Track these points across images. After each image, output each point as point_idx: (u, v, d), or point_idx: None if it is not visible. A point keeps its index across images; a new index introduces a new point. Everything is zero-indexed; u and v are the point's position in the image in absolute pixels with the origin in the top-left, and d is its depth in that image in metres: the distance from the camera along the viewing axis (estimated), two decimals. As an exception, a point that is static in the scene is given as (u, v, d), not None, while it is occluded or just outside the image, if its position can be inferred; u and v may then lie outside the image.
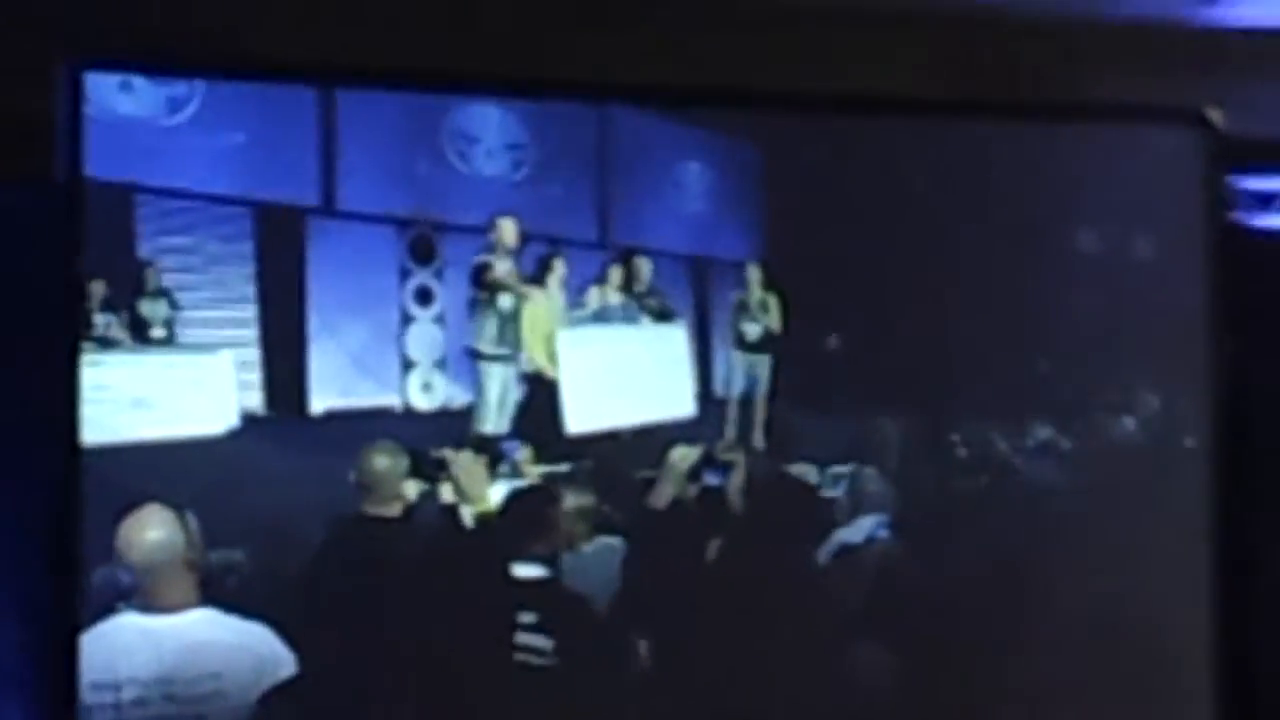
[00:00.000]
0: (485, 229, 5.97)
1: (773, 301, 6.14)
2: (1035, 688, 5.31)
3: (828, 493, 5.63)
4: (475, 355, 6.00)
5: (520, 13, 5.74)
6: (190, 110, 5.57)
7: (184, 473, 5.35)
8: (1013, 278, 5.69)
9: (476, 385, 5.99)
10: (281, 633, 4.60)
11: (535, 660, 4.71)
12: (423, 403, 6.18)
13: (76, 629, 4.69)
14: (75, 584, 4.83)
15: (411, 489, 5.08)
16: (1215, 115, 5.52)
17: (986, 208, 5.69)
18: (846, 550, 5.36)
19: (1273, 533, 5.71)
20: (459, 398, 6.12)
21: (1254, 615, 5.60)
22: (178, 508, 4.61)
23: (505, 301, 5.97)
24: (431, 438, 5.76)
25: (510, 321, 5.97)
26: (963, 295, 5.72)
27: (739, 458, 5.45)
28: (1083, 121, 5.69)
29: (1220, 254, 5.57)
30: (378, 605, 4.83)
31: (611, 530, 5.27)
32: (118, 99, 5.43)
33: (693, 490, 5.25)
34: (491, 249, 5.96)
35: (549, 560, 4.84)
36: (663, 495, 5.12)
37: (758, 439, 6.04)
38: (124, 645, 4.51)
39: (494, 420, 5.91)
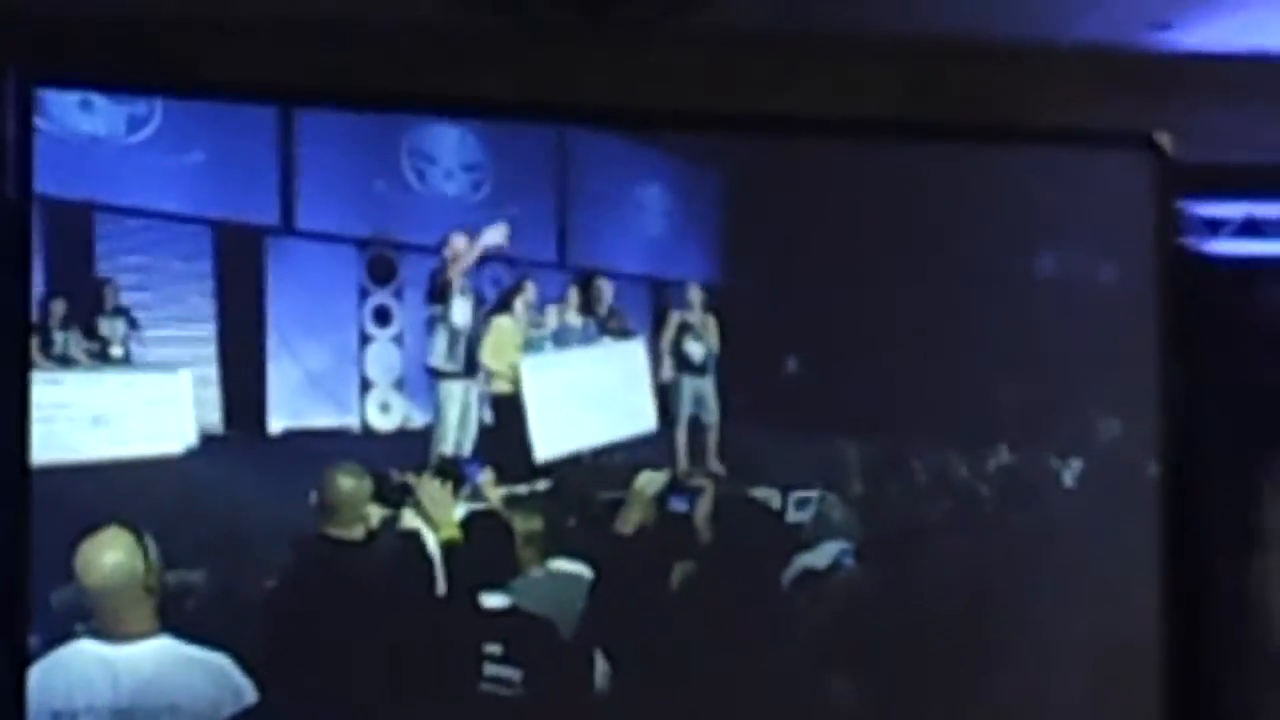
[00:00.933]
0: (439, 246, 5.98)
1: (711, 323, 6.16)
2: (999, 711, 5.34)
3: (792, 517, 5.63)
4: (434, 374, 5.99)
5: (480, 34, 5.75)
6: (150, 129, 5.57)
7: (143, 492, 5.33)
8: (965, 301, 5.71)
9: (435, 405, 5.98)
10: (241, 661, 4.52)
11: (503, 691, 4.67)
12: (381, 423, 6.19)
13: (26, 658, 4.65)
14: (25, 611, 4.80)
15: (374, 514, 5.03)
16: (1166, 140, 5.56)
17: (940, 231, 5.71)
18: (810, 574, 5.36)
19: (1223, 552, 5.76)
20: (417, 418, 6.12)
21: (1205, 632, 5.65)
22: (136, 530, 4.48)
23: (459, 318, 5.98)
24: (390, 458, 5.75)
25: (464, 338, 5.97)
26: (916, 319, 5.75)
27: (706, 484, 5.41)
28: (1035, 145, 5.72)
29: (1171, 279, 5.60)
30: (340, 631, 4.78)
31: (574, 555, 5.24)
32: (78, 118, 5.44)
33: (658, 516, 5.20)
34: (445, 266, 5.96)
35: (509, 586, 4.80)
36: (629, 521, 5.05)
37: (713, 463, 6.04)
38: (81, 673, 4.35)
39: (453, 440, 5.90)
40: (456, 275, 5.92)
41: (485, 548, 4.75)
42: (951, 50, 5.81)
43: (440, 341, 5.99)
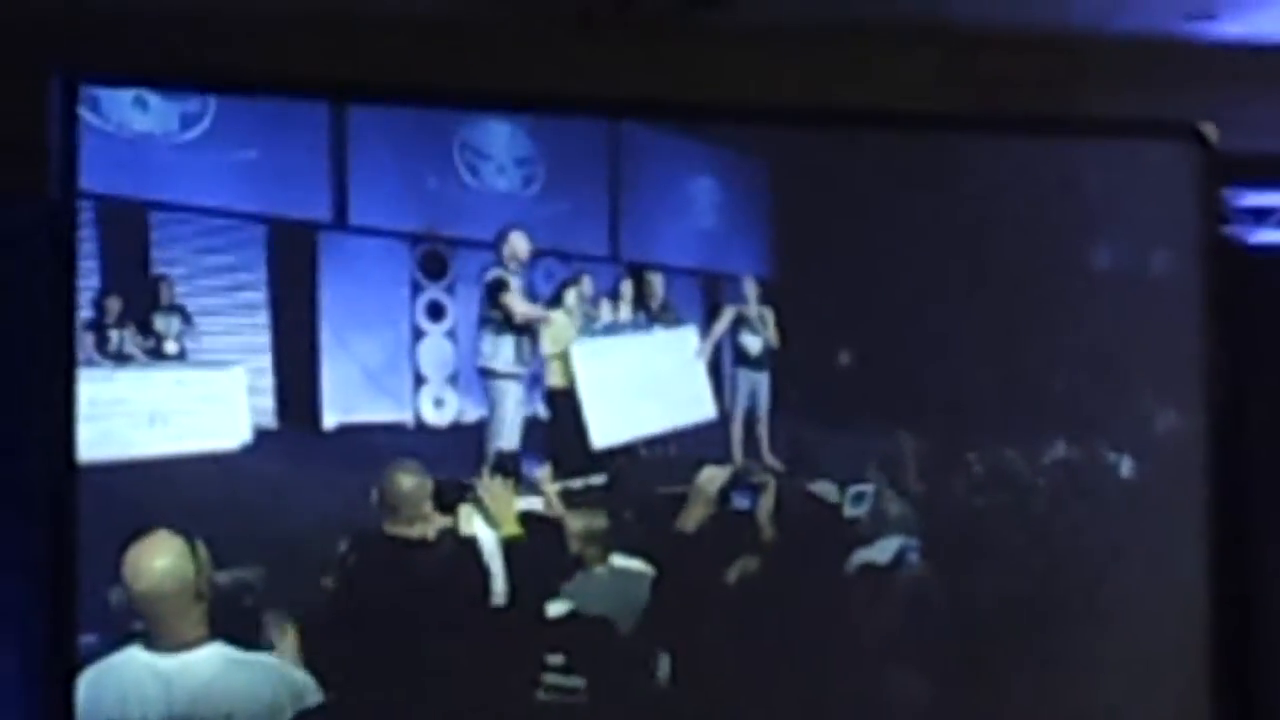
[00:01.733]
0: (495, 243, 5.97)
1: (769, 316, 6.15)
2: (1056, 704, 5.33)
3: (849, 511, 5.61)
4: (489, 374, 5.99)
5: (530, 28, 5.76)
6: (203, 126, 5.58)
7: (198, 489, 5.37)
8: (1012, 293, 5.71)
9: (490, 403, 5.98)
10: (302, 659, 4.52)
11: (565, 699, 4.66)
12: (435, 418, 6.17)
13: (73, 662, 4.65)
14: (72, 613, 4.81)
15: (435, 519, 5.06)
16: (1210, 130, 5.54)
17: (984, 223, 5.71)
18: (870, 570, 5.34)
19: (1275, 542, 5.74)
20: (471, 413, 6.11)
21: (1255, 625, 5.63)
22: (187, 534, 4.46)
23: (516, 315, 5.98)
24: (445, 453, 5.80)
25: (526, 338, 5.97)
26: (965, 311, 5.74)
27: (768, 480, 5.41)
28: (1079, 136, 5.71)
29: (1217, 268, 5.58)
30: (401, 630, 4.78)
31: (635, 552, 5.25)
32: (132, 115, 5.46)
33: (720, 512, 5.19)
34: (503, 263, 5.96)
35: (570, 589, 4.79)
36: (692, 518, 5.05)
37: (767, 456, 6.03)
38: (134, 682, 4.36)
39: (508, 436, 5.90)
40: (514, 273, 5.92)
41: (546, 546, 4.75)
42: (992, 40, 5.83)
43: (507, 348, 5.99)
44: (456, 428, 6.14)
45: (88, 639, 4.85)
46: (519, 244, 5.95)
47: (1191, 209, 5.63)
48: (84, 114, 5.24)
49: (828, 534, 5.30)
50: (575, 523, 5.09)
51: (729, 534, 5.09)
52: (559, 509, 5.21)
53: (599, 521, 5.24)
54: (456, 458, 5.73)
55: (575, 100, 5.72)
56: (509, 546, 4.77)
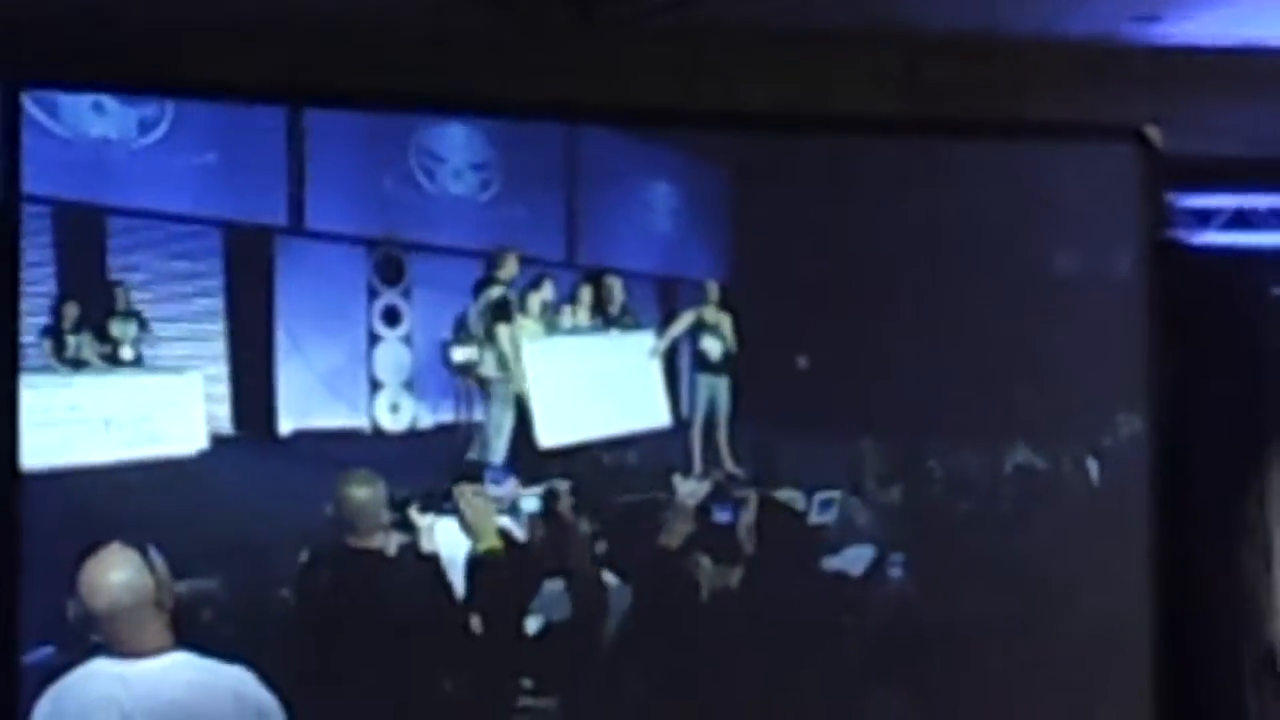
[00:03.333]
0: (491, 259, 6.01)
1: (726, 321, 6.16)
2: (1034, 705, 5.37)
3: (816, 518, 5.60)
4: (482, 382, 5.99)
5: (488, 32, 5.73)
6: (161, 131, 5.55)
7: (153, 495, 5.33)
8: (957, 296, 5.74)
9: (488, 413, 5.97)
10: (262, 674, 4.45)
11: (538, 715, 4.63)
12: (391, 424, 6.15)
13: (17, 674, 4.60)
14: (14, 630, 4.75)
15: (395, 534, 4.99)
16: (1155, 133, 5.58)
17: (930, 226, 5.74)
18: (842, 579, 5.35)
19: (1216, 544, 5.80)
20: (426, 419, 6.11)
21: (1194, 625, 5.69)
22: (140, 546, 4.25)
23: (505, 329, 5.98)
24: (400, 459, 5.78)
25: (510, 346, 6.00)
26: (911, 313, 5.77)
27: (750, 494, 5.37)
28: (1025, 139, 5.74)
29: (1160, 271, 5.63)
30: (363, 643, 4.71)
31: (607, 565, 5.19)
32: (90, 121, 5.42)
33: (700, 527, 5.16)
34: (494, 279, 5.99)
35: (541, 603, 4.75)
36: (675, 534, 4.99)
37: (726, 462, 6.04)
38: (98, 695, 4.14)
39: (496, 448, 5.89)
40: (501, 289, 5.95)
41: (520, 560, 4.70)
42: (939, 44, 5.81)
43: (483, 347, 5.99)
44: (412, 434, 6.13)
45: (44, 650, 4.81)
46: (511, 263, 5.97)
47: (1136, 211, 5.66)
48: (42, 119, 5.21)
49: (796, 541, 5.29)
50: (550, 534, 5.03)
51: (710, 548, 5.05)
52: (527, 521, 5.14)
53: (572, 533, 5.16)
54: (414, 465, 5.70)
55: (531, 104, 5.69)
56: (485, 560, 4.69)
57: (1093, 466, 5.80)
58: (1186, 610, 5.62)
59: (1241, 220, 6.20)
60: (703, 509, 5.14)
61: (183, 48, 5.38)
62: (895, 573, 5.43)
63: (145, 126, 5.53)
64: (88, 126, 5.41)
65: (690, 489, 5.09)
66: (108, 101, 5.43)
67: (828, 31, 5.74)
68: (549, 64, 5.68)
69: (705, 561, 5.00)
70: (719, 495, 5.24)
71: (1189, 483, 5.66)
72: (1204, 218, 6.16)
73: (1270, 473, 5.83)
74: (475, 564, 4.77)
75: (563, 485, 5.15)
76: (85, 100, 5.38)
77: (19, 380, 5.03)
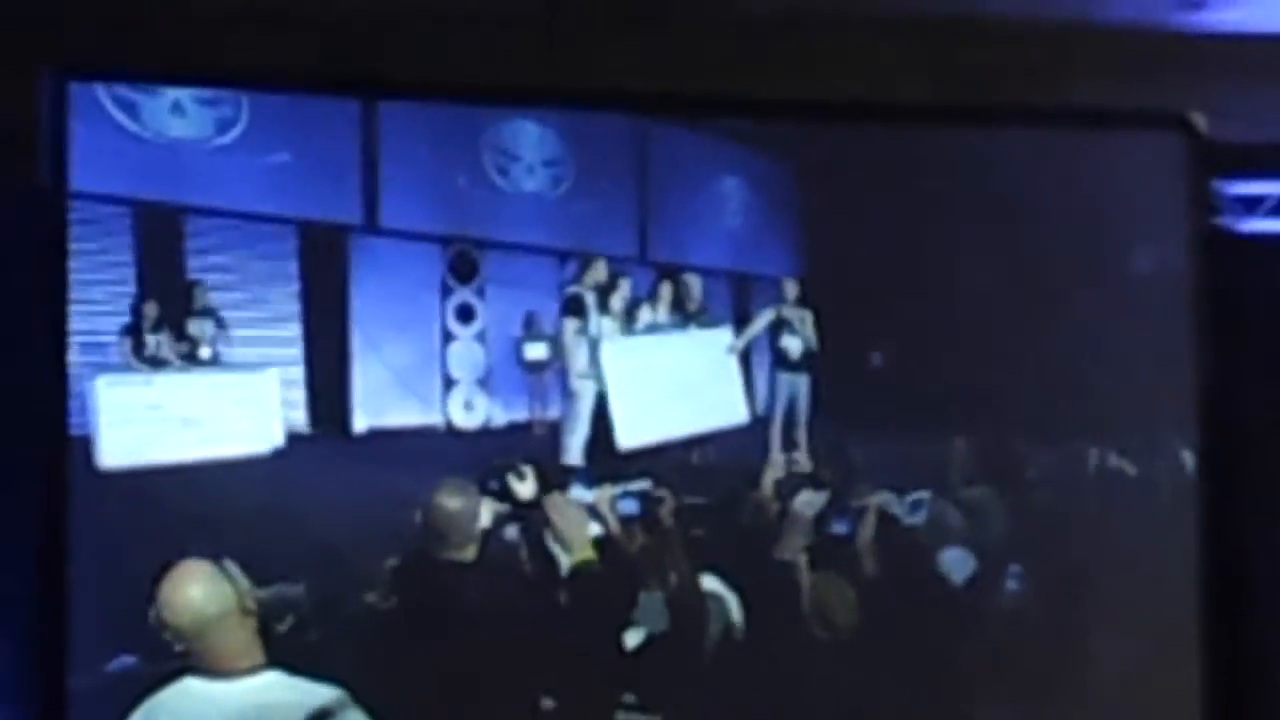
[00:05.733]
0: (580, 263, 6.04)
1: (807, 318, 6.15)
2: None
3: (908, 520, 5.43)
4: (575, 375, 6.01)
5: (558, 28, 5.73)
6: (237, 131, 5.57)
7: (230, 494, 5.32)
8: (1004, 288, 5.72)
9: (575, 414, 5.98)
10: (354, 691, 4.37)
11: None
12: (465, 421, 6.17)
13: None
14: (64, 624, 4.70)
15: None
16: (1199, 120, 5.55)
17: (976, 214, 5.72)
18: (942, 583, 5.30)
19: (1265, 533, 5.75)
20: (500, 416, 6.13)
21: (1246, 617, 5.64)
22: (214, 558, 4.04)
23: (577, 324, 5.99)
24: (475, 456, 5.78)
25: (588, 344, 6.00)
26: (983, 308, 5.75)
27: (869, 505, 5.19)
28: (1068, 126, 5.70)
29: (1206, 258, 5.60)
30: (459, 661, 4.59)
31: (717, 573, 5.00)
32: (169, 121, 5.44)
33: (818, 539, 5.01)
34: (579, 280, 6.00)
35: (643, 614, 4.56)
36: (790, 546, 4.86)
37: (803, 460, 6.00)
38: (191, 716, 3.96)
39: (574, 448, 5.90)
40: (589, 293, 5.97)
41: (619, 570, 4.54)
42: (983, 31, 5.79)
43: (584, 351, 6.01)
44: (486, 431, 6.14)
45: (125, 660, 4.72)
46: (600, 270, 5.99)
47: (1180, 199, 5.63)
48: (122, 120, 5.22)
49: (907, 550, 5.15)
50: (649, 542, 4.83)
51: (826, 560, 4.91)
52: (616, 528, 4.93)
53: (673, 540, 4.92)
54: (489, 462, 5.67)
55: (599, 96, 5.67)
56: (579, 571, 4.47)
57: (1186, 459, 5.71)
58: (1236, 599, 5.57)
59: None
60: (820, 520, 5.05)
61: (239, 41, 5.38)
62: (1012, 585, 5.35)
63: (222, 127, 5.55)
64: (167, 127, 5.43)
65: (806, 499, 4.95)
66: (186, 102, 5.44)
67: (862, 20, 5.72)
68: (614, 56, 5.67)
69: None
70: (838, 506, 5.10)
71: (1238, 470, 5.60)
72: (1250, 204, 6.12)
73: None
74: (570, 576, 4.56)
75: (663, 489, 5.01)
76: (164, 101, 5.38)
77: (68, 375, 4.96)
